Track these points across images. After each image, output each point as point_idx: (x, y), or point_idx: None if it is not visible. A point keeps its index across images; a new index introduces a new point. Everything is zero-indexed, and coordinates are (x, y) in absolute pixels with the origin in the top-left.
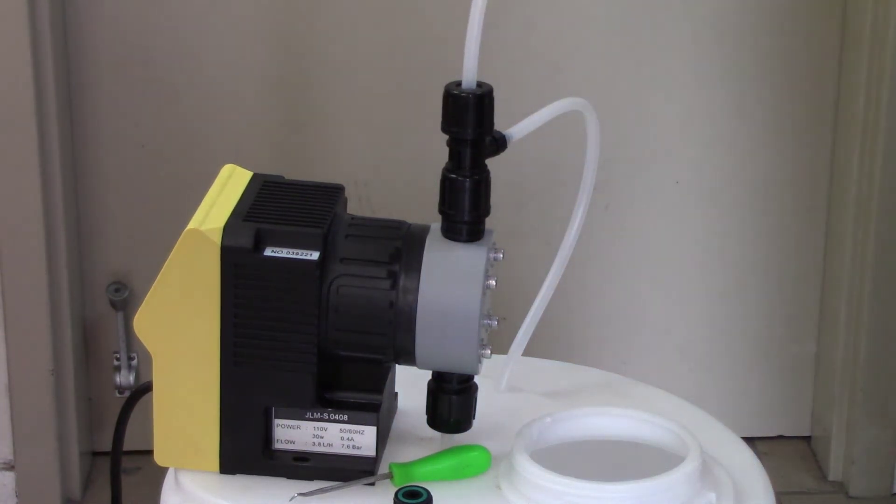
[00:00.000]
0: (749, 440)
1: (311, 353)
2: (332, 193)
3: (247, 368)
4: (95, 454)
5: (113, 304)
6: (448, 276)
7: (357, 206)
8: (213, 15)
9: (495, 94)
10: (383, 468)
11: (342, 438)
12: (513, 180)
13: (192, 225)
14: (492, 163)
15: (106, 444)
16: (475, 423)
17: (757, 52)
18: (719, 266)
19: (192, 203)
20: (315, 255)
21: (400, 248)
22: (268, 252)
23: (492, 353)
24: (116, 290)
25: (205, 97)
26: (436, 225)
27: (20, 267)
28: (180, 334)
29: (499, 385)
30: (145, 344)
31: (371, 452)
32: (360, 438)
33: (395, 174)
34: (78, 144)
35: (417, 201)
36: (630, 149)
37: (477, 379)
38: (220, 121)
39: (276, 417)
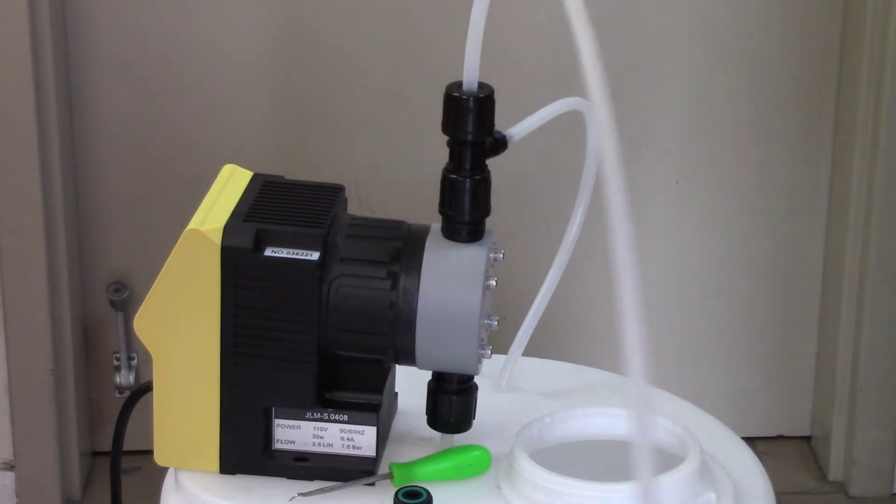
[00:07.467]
0: (749, 440)
1: (311, 353)
2: (332, 193)
3: (247, 368)
4: (95, 454)
5: (113, 304)
6: (448, 277)
7: (357, 206)
8: (212, 15)
9: (495, 94)
10: (383, 468)
11: (342, 438)
12: (513, 180)
13: (192, 225)
14: (492, 163)
15: (106, 444)
16: (475, 423)
17: (757, 52)
18: (719, 266)
19: (192, 203)
20: (315, 256)
21: (400, 248)
22: (268, 252)
23: (492, 353)
24: (116, 290)
25: (205, 97)
26: (436, 225)
27: (20, 267)
28: (180, 334)
29: (499, 385)
30: (145, 344)
31: (371, 452)
32: (360, 438)
33: (395, 174)
34: (78, 144)
35: (417, 201)
36: (630, 149)
37: (477, 379)
38: (220, 121)
39: (276, 417)
